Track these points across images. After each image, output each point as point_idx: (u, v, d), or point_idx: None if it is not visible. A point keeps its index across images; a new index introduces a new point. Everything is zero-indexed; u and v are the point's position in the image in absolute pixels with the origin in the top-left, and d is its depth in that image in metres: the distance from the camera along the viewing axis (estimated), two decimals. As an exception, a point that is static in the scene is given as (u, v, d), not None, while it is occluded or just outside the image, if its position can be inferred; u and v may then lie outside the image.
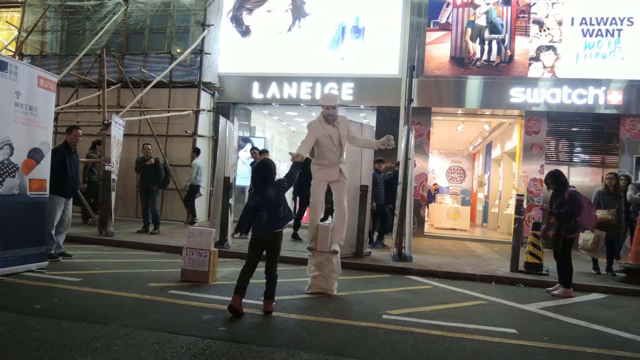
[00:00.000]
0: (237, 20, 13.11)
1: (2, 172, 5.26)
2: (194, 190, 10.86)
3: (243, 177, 11.45)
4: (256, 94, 12.86)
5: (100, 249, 7.73)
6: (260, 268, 4.46)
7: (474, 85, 11.77)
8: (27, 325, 3.64)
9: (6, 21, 13.81)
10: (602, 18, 11.31)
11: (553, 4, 11.56)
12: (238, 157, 10.72)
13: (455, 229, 14.77)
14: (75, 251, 7.01)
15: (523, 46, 11.64)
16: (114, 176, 8.74)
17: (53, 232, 6.33)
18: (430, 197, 16.42)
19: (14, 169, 5.43)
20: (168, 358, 3.13)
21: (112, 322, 3.80)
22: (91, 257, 6.82)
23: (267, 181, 4.42)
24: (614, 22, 11.26)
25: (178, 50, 12.65)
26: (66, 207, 6.53)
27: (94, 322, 3.77)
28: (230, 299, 4.23)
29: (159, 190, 9.99)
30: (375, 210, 9.15)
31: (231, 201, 8.43)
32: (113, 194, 8.76)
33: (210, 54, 12.59)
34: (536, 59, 11.55)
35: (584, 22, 11.38)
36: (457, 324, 4.42)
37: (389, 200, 9.37)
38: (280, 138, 17.65)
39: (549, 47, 11.52)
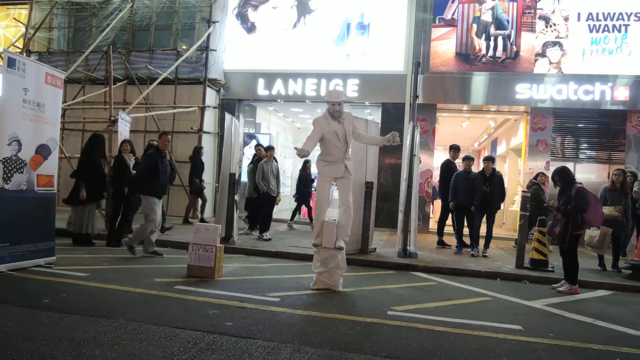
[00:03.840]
0: (242, 16, 13.11)
1: (10, 168, 5.32)
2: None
3: (248, 173, 11.48)
4: (261, 91, 12.86)
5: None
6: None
7: (479, 81, 11.70)
8: (36, 319, 3.68)
9: (14, 18, 13.89)
10: (608, 13, 11.20)
11: (559, -1, 11.48)
12: (243, 154, 10.74)
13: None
14: (82, 247, 7.09)
15: (529, 42, 11.55)
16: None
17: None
18: (435, 194, 16.34)
19: (22, 165, 5.48)
20: (175, 352, 3.16)
21: (120, 317, 3.84)
22: (98, 252, 6.88)
23: None
24: (620, 17, 11.15)
25: (184, 47, 12.68)
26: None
27: (101, 317, 3.81)
28: (237, 294, 4.21)
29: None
30: (454, 210, 8.96)
31: (237, 197, 8.47)
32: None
33: (215, 50, 12.60)
34: (542, 54, 11.47)
35: (590, 17, 11.28)
36: (462, 320, 4.42)
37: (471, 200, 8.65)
38: (286, 134, 17.68)
39: (555, 43, 11.43)
